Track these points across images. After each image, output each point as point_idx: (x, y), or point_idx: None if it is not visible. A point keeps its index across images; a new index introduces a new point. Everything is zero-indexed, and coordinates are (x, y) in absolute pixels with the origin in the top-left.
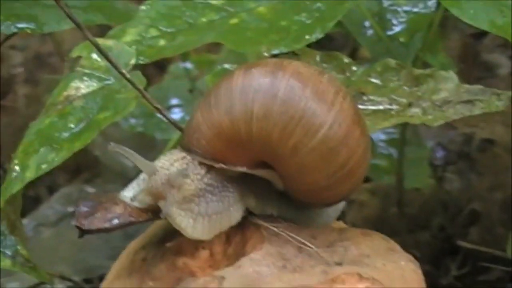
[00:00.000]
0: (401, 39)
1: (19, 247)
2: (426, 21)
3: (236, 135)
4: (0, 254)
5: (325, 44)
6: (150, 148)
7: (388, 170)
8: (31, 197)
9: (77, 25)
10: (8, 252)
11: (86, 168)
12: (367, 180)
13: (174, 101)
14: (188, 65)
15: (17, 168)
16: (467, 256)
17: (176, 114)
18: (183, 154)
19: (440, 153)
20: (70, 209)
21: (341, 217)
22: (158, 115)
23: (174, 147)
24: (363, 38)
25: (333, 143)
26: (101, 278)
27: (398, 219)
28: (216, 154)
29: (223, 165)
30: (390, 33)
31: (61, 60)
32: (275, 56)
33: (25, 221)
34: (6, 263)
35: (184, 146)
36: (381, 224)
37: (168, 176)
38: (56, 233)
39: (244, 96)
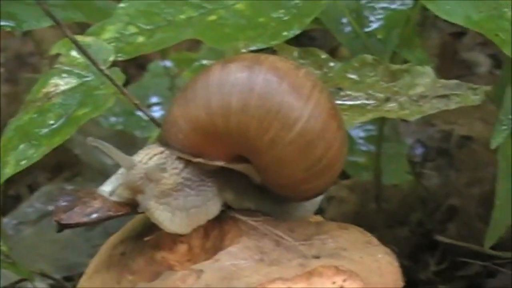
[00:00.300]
0: (379, 36)
1: None
2: (403, 18)
3: (213, 129)
4: None
5: (305, 43)
6: (131, 146)
7: (367, 166)
8: (11, 196)
9: (56, 22)
10: None
11: (66, 167)
12: (346, 176)
13: (154, 99)
14: (168, 63)
15: None
16: (445, 251)
17: (156, 112)
18: (161, 148)
19: (419, 150)
20: (51, 207)
21: (320, 213)
22: (138, 113)
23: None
24: (341, 35)
25: (310, 137)
26: (81, 276)
27: (376, 215)
28: (194, 148)
29: (200, 160)
30: (367, 29)
31: (41, 60)
32: (253, 52)
33: (5, 219)
34: None
35: (162, 140)
36: (360, 220)
37: (146, 170)
38: (36, 232)
39: (222, 90)
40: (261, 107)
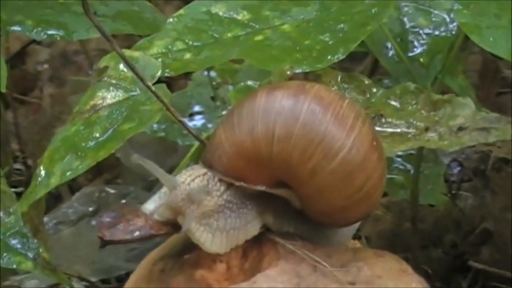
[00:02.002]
0: (422, 61)
1: (41, 250)
2: (446, 44)
3: (256, 155)
4: (22, 256)
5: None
6: (172, 151)
7: (404, 185)
8: (53, 195)
9: (105, 36)
10: (30, 254)
11: (107, 169)
12: (383, 195)
13: (197, 108)
14: (212, 73)
15: (42, 173)
16: (478, 274)
17: (198, 121)
18: (204, 170)
19: (456, 170)
20: (90, 208)
21: (356, 231)
22: None
23: (195, 154)
24: (384, 58)
25: (351, 167)
26: (118, 279)
27: (411, 235)
28: (237, 172)
29: (243, 183)
30: (411, 54)
31: (86, 59)
32: (297, 74)
33: (45, 219)
34: (28, 264)
35: (206, 162)
36: (394, 239)
37: (189, 192)
38: (75, 232)
39: (266, 117)
40: (304, 136)
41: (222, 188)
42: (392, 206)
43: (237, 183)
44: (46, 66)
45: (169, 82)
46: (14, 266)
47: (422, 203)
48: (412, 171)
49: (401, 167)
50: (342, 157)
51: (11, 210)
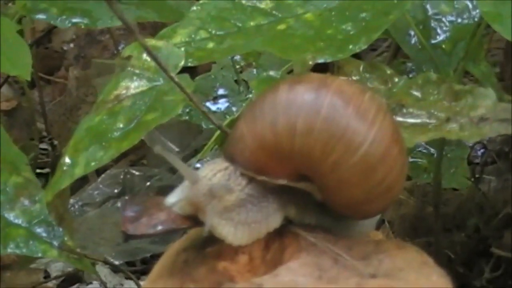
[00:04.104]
0: (444, 47)
1: (66, 238)
2: (469, 31)
3: (278, 149)
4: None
5: None
6: (197, 133)
7: (427, 168)
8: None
9: (128, 26)
10: (56, 243)
11: (132, 150)
12: (406, 178)
13: (221, 91)
14: (236, 56)
15: (67, 163)
16: (500, 258)
17: (222, 104)
18: (226, 164)
19: (479, 152)
20: (116, 190)
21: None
22: (206, 104)
23: (220, 137)
24: (407, 46)
25: (372, 161)
26: (143, 261)
27: (434, 219)
28: (258, 166)
29: (264, 178)
30: (433, 41)
31: (111, 38)
32: (319, 64)
33: (72, 200)
34: (53, 253)
35: (227, 155)
36: (417, 223)
37: (210, 187)
38: (100, 214)
39: (288, 111)
40: (326, 130)
41: (244, 182)
42: (415, 190)
43: (259, 177)
44: (71, 45)
45: (193, 66)
46: (40, 255)
47: (445, 187)
48: (435, 155)
49: (425, 150)
50: (364, 151)
51: (37, 198)
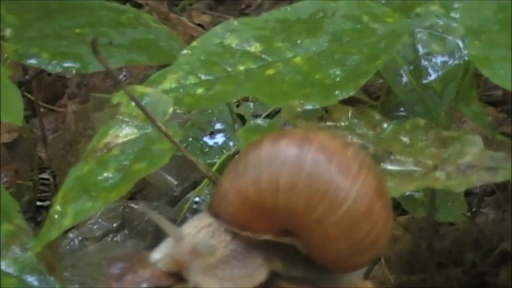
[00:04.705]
0: (435, 87)
1: (57, 287)
2: (460, 70)
3: (262, 205)
4: None
5: None
6: (193, 167)
7: (424, 202)
8: None
9: (114, 77)
10: None
11: None
12: (402, 213)
13: (218, 126)
14: None
15: (56, 214)
16: None
17: (219, 139)
18: (210, 220)
19: None
20: (114, 224)
21: None
22: (204, 139)
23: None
24: (398, 86)
25: (355, 216)
26: None
27: (431, 255)
28: (242, 222)
29: (249, 233)
30: (425, 81)
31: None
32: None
33: (71, 234)
34: None
35: (212, 211)
36: (413, 260)
37: (194, 245)
38: (100, 248)
39: (271, 167)
40: (309, 186)
41: (228, 238)
42: (411, 225)
43: (243, 233)
44: (74, 72)
45: None
46: None
47: (442, 221)
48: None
49: None
50: (347, 207)
51: (28, 246)
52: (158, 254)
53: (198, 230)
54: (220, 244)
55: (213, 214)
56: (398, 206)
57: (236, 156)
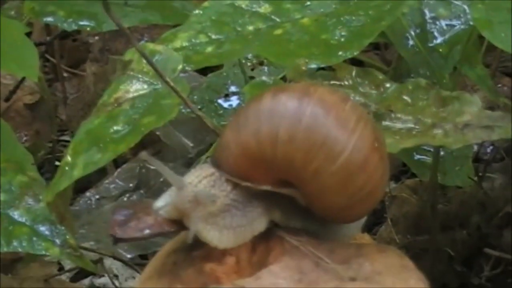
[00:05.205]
0: (441, 51)
1: (67, 237)
2: (466, 34)
3: (261, 157)
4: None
5: None
6: (208, 131)
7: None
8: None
9: (125, 33)
10: (57, 241)
11: (151, 144)
12: (410, 176)
13: (232, 88)
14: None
15: (66, 166)
16: (501, 257)
17: (234, 101)
18: (212, 170)
19: (488, 149)
20: (131, 184)
21: (383, 212)
22: (218, 101)
23: None
24: (404, 48)
25: (352, 169)
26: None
27: (434, 217)
28: (243, 172)
29: (248, 184)
30: (431, 44)
31: (135, 31)
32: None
33: (89, 193)
34: (55, 251)
35: (214, 162)
36: (420, 221)
37: (196, 194)
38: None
39: (271, 119)
40: (307, 139)
41: (229, 188)
42: (419, 188)
43: (244, 184)
44: (96, 38)
45: None
46: (43, 252)
47: (449, 185)
48: (442, 153)
49: (430, 148)
50: (344, 159)
51: (41, 197)
52: (160, 202)
53: (200, 179)
54: (220, 194)
55: (215, 164)
56: (407, 170)
57: (238, 108)
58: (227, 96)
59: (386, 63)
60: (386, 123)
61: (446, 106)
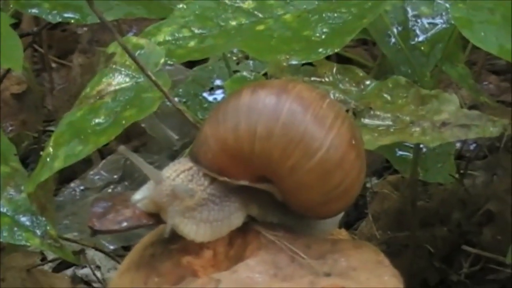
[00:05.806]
0: (423, 49)
1: (48, 227)
2: (447, 32)
3: (239, 152)
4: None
5: None
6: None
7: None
8: (83, 160)
9: (108, 27)
10: (38, 232)
11: (136, 136)
12: (392, 172)
13: (218, 82)
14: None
15: (48, 157)
16: (479, 254)
17: (219, 95)
18: (190, 164)
19: (471, 146)
20: (115, 176)
21: (364, 208)
22: (203, 94)
23: None
24: (386, 46)
25: (328, 166)
26: None
27: (414, 214)
28: (220, 167)
29: (226, 178)
30: (412, 42)
31: (124, 23)
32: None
33: (73, 184)
34: (36, 241)
35: (192, 156)
36: (401, 218)
37: (173, 188)
38: None
39: (249, 115)
40: (284, 135)
41: (206, 183)
42: (400, 184)
43: (221, 179)
44: (85, 29)
45: None
46: (23, 243)
47: (431, 181)
48: (425, 150)
49: (412, 145)
50: (320, 156)
51: (22, 188)
52: (138, 195)
53: (178, 173)
54: (198, 188)
55: (193, 159)
56: (390, 166)
57: (218, 103)
58: (212, 89)
59: (374, 59)
60: (365, 120)
61: (425, 104)
